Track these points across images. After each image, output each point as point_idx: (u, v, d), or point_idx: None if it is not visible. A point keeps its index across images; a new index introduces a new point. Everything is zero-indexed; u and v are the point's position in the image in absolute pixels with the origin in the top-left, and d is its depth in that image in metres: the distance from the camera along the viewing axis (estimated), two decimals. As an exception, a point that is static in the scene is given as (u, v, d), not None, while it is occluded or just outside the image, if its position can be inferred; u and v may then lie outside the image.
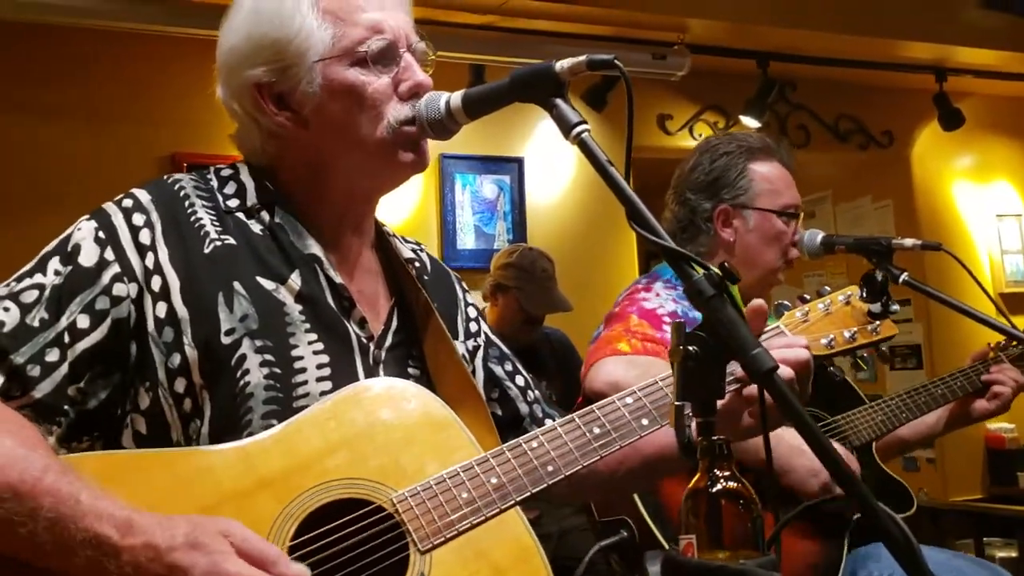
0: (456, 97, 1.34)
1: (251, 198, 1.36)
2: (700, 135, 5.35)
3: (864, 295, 1.57)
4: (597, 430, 1.31)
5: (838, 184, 6.33)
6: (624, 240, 5.05)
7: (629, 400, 1.35)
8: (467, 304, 1.60)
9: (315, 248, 1.34)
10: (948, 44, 5.18)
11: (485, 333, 1.60)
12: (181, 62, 4.22)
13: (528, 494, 1.24)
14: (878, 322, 1.56)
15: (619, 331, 2.08)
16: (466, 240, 4.77)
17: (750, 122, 5.15)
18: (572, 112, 1.23)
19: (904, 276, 2.13)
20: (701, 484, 1.04)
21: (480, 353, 1.56)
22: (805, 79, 5.50)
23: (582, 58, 1.22)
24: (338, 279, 1.34)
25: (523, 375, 1.60)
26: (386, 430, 1.23)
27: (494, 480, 1.22)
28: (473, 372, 1.50)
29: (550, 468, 1.26)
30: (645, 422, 1.33)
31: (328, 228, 1.39)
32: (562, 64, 1.23)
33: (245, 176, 1.39)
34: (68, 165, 4.10)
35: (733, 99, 5.26)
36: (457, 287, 1.61)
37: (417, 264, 1.51)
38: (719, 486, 1.03)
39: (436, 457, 1.23)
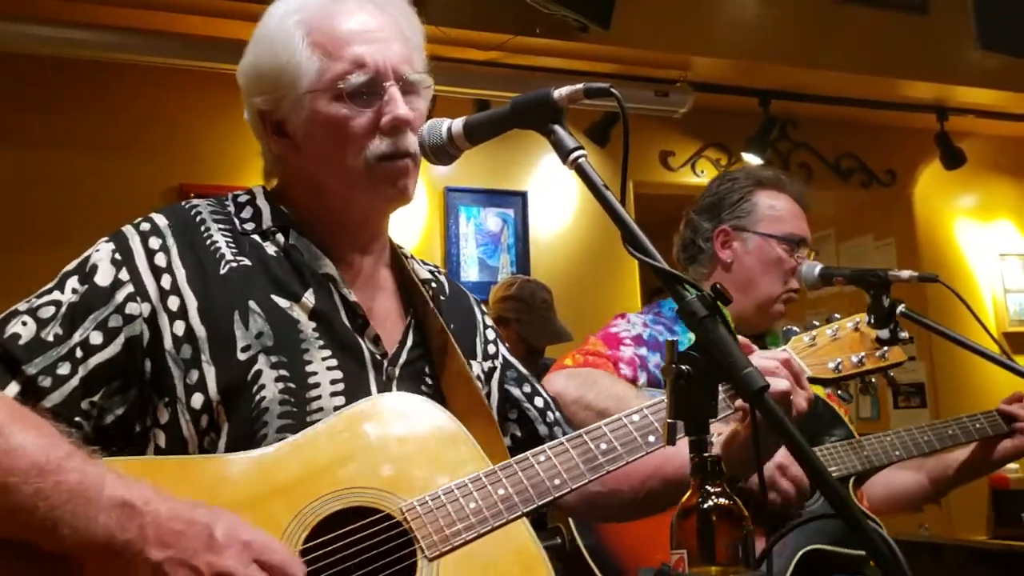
0: (458, 123, 1.37)
1: (266, 221, 1.41)
2: (702, 172, 5.40)
3: (872, 321, 1.60)
4: (604, 446, 1.35)
5: (840, 222, 6.36)
6: (627, 273, 5.08)
7: (636, 417, 1.39)
8: (486, 327, 1.63)
9: (329, 268, 1.39)
10: (949, 84, 5.25)
11: (503, 355, 1.62)
12: (189, 94, 4.29)
13: (535, 506, 1.27)
14: (886, 348, 1.57)
15: (572, 352, 2.17)
16: (470, 272, 4.80)
17: (752, 159, 5.20)
18: (569, 138, 1.25)
19: (901, 308, 2.12)
20: (692, 501, 1.05)
21: (497, 375, 1.59)
22: (807, 117, 5.55)
23: (579, 86, 1.25)
24: (352, 297, 1.39)
25: (542, 396, 1.63)
26: (398, 442, 1.27)
27: (501, 491, 1.26)
28: (489, 394, 1.53)
29: (557, 482, 1.30)
30: (652, 439, 1.37)
31: (340, 248, 1.43)
32: (560, 92, 1.26)
33: (261, 201, 1.44)
34: (77, 195, 4.15)
35: (735, 136, 5.32)
36: (476, 309, 1.64)
37: (434, 285, 1.55)
38: (710, 502, 1.04)
39: (446, 469, 1.27)
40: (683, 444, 1.42)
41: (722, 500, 1.04)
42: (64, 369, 1.21)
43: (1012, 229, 6.15)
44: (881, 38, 5.00)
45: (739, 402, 1.40)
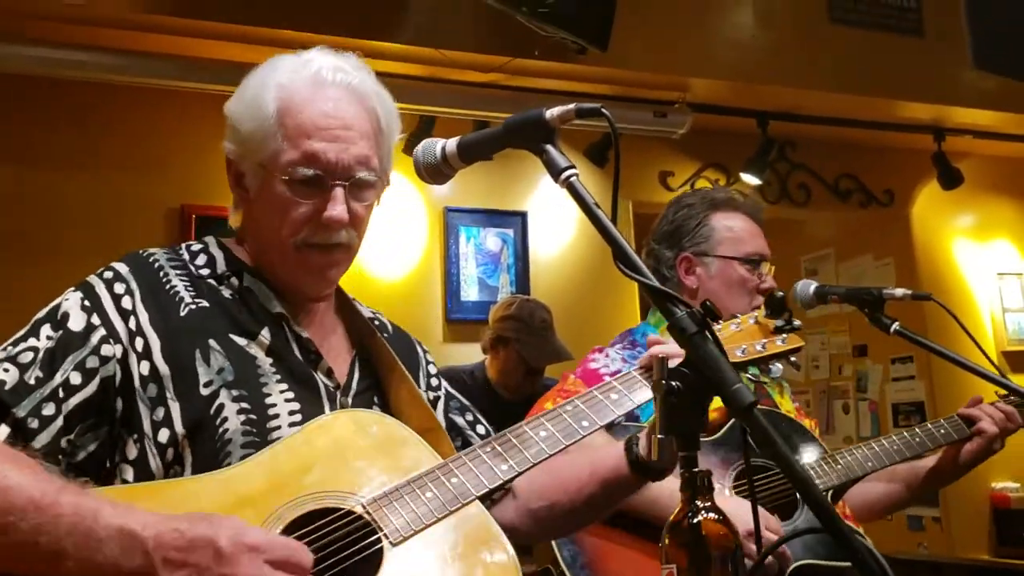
0: (451, 143, 1.40)
1: (220, 266, 1.49)
2: (702, 192, 5.41)
3: (768, 313, 1.69)
4: (543, 433, 1.44)
5: (840, 243, 6.39)
6: (626, 293, 5.09)
7: (569, 408, 1.48)
8: (427, 363, 1.72)
9: (281, 308, 1.48)
10: (946, 105, 5.27)
11: (445, 388, 1.72)
12: (192, 116, 4.32)
13: (486, 490, 1.36)
14: (785, 335, 1.69)
15: (554, 391, 2.17)
16: (469, 292, 4.82)
17: (750, 179, 5.23)
18: (561, 157, 1.28)
19: (895, 326, 2.15)
20: (682, 515, 1.06)
21: (441, 404, 1.68)
22: (805, 138, 5.58)
23: (571, 106, 1.28)
24: (304, 334, 1.48)
25: (484, 424, 1.71)
26: (354, 449, 1.35)
27: (454, 480, 1.34)
28: None
29: (504, 467, 1.38)
30: (585, 424, 1.46)
31: (290, 291, 1.51)
32: (552, 112, 1.29)
33: (214, 248, 1.53)
34: (81, 216, 4.17)
35: (734, 157, 5.34)
36: (418, 348, 1.73)
37: (377, 323, 1.65)
38: (699, 517, 1.05)
39: (401, 467, 1.35)
40: (613, 446, 1.55)
41: (711, 515, 1.05)
42: (49, 410, 1.27)
43: (1010, 248, 6.17)
44: (878, 59, 5.03)
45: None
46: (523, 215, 5.02)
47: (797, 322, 1.68)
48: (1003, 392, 2.28)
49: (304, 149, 1.41)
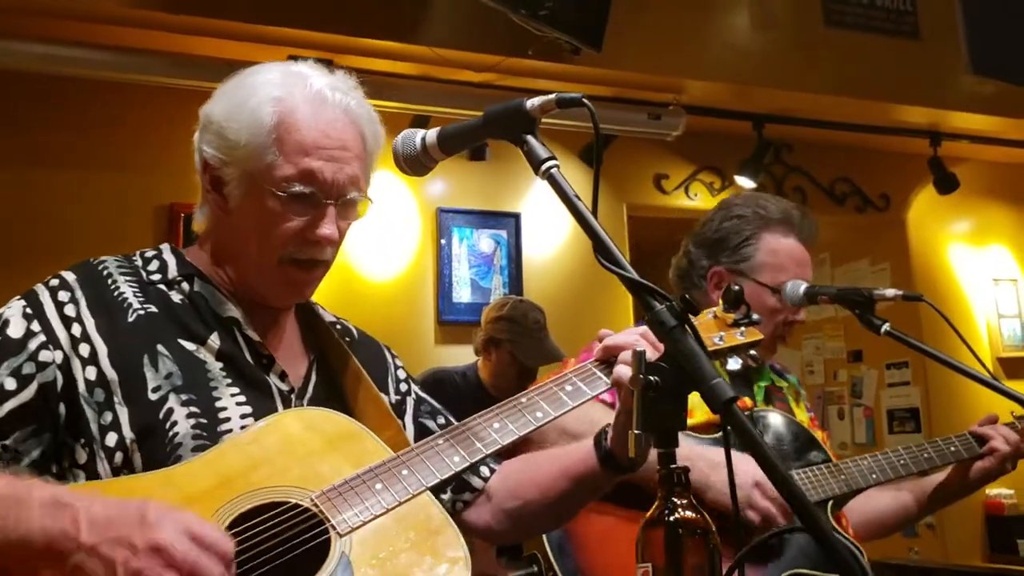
0: (432, 134, 1.38)
1: (172, 271, 1.48)
2: (696, 195, 5.41)
3: (726, 307, 1.68)
4: (496, 424, 1.43)
5: (835, 246, 6.37)
6: (619, 296, 5.07)
7: (524, 400, 1.48)
8: (396, 368, 1.71)
9: (233, 311, 1.47)
10: (942, 109, 5.26)
11: (416, 392, 1.70)
12: (181, 113, 4.27)
13: (437, 480, 1.34)
14: (743, 328, 1.68)
15: (550, 377, 2.12)
16: (462, 293, 4.80)
17: (745, 182, 5.21)
18: (542, 148, 1.26)
19: (885, 327, 2.11)
20: (658, 512, 1.04)
21: (411, 409, 1.66)
22: (801, 141, 5.56)
23: (551, 96, 1.26)
24: (256, 338, 1.46)
25: None
26: (304, 445, 1.34)
27: (404, 472, 1.33)
28: (404, 428, 1.59)
29: (456, 458, 1.37)
30: (539, 415, 1.45)
31: (246, 296, 1.50)
32: (533, 102, 1.28)
33: (167, 255, 1.52)
34: (69, 214, 4.14)
35: (729, 160, 5.33)
36: (386, 354, 1.72)
37: (339, 327, 1.64)
38: (676, 515, 1.03)
39: (351, 462, 1.34)
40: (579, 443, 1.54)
41: (688, 513, 1.03)
42: None
43: (1006, 254, 6.16)
44: (874, 63, 5.02)
45: (615, 376, 1.47)
46: (516, 216, 5.00)
47: (756, 315, 1.67)
48: (1020, 412, 2.22)
49: (302, 166, 1.39)
